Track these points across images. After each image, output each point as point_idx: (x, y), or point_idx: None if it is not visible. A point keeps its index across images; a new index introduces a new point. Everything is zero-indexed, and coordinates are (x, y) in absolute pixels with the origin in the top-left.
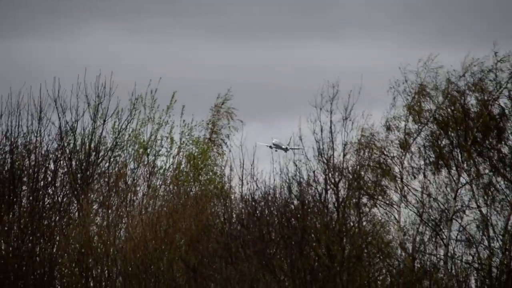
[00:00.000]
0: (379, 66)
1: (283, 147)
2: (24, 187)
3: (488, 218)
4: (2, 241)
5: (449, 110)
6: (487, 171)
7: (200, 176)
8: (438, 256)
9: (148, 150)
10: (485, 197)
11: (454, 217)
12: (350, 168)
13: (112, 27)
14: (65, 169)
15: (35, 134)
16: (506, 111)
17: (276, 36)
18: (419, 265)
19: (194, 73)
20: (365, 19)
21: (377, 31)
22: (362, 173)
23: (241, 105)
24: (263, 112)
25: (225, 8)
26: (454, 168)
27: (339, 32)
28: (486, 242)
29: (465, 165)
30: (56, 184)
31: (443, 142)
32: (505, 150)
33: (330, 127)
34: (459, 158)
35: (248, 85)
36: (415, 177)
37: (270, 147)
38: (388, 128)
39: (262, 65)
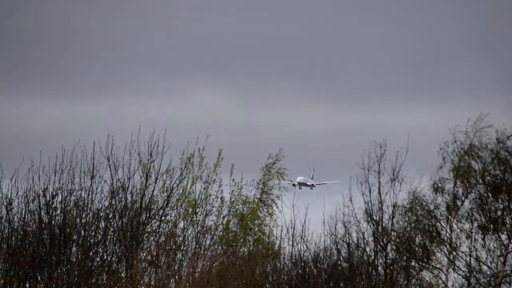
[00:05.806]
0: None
1: (308, 183)
2: (74, 244)
3: None
4: None
5: (498, 172)
6: None
7: (249, 236)
8: None
9: (198, 209)
10: None
11: (503, 281)
12: (399, 231)
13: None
14: (115, 227)
15: (87, 192)
16: None
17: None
18: None
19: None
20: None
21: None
22: (411, 236)
23: (290, 166)
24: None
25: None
26: (504, 232)
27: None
28: None
29: None
30: (106, 243)
31: (492, 205)
32: None
33: (379, 189)
34: (509, 221)
35: (297, 147)
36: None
37: (294, 185)
38: (436, 190)
39: (311, 127)
